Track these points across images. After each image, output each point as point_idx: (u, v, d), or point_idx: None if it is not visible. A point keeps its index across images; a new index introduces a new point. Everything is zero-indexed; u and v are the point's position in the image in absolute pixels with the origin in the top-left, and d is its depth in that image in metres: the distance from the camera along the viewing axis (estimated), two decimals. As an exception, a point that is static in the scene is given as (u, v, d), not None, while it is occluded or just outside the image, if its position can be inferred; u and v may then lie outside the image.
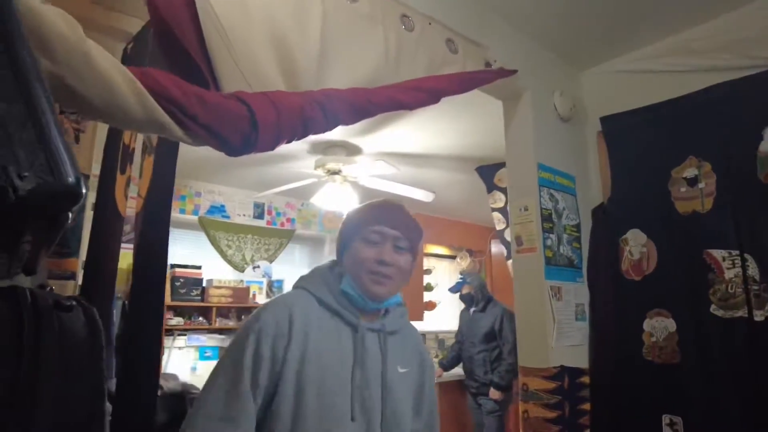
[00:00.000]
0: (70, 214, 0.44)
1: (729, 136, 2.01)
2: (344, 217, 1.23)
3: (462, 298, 4.28)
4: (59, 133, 0.42)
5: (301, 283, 1.16)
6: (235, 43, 1.18)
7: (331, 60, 1.38)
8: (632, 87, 2.39)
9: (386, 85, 1.45)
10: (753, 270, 1.87)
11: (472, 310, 4.18)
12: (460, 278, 4.33)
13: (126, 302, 2.12)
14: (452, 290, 4.42)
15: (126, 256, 2.02)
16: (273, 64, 1.25)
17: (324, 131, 1.25)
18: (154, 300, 1.30)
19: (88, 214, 1.98)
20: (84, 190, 0.44)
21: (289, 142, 1.19)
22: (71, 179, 0.42)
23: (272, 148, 1.14)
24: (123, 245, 1.92)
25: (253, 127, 1.06)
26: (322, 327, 1.06)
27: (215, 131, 1.01)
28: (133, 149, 1.77)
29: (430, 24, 1.77)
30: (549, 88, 2.36)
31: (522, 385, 2.06)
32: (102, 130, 1.98)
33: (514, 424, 4.17)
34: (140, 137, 1.75)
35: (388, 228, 1.12)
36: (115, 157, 1.88)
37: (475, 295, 4.15)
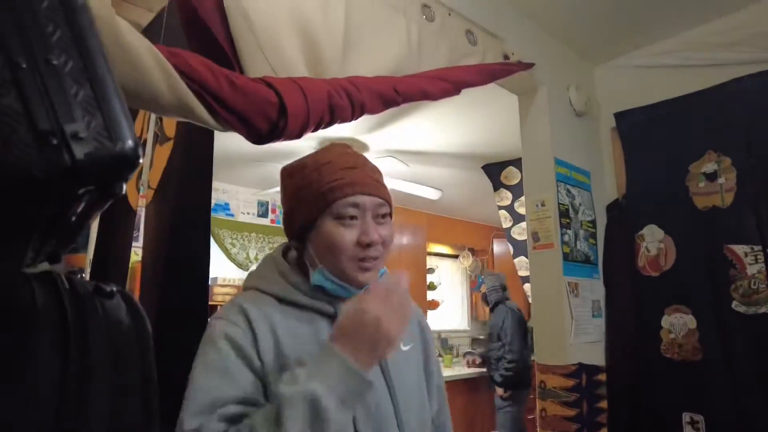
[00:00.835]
0: (125, 185, 0.40)
1: (749, 130, 1.98)
2: (287, 177, 0.89)
3: (482, 298, 4.45)
4: (118, 94, 0.38)
5: (250, 282, 0.89)
6: (259, 28, 1.14)
7: (355, 48, 1.34)
8: (646, 82, 2.36)
9: (411, 74, 1.42)
10: (776, 266, 1.84)
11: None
12: (480, 279, 4.50)
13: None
14: (473, 290, 4.70)
15: (132, 254, 1.97)
16: (297, 51, 1.21)
17: (350, 120, 1.21)
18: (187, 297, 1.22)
19: (95, 210, 1.93)
20: (141, 160, 0.40)
21: (315, 130, 1.15)
22: (130, 143, 0.37)
23: (299, 136, 1.10)
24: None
25: (281, 113, 1.02)
26: (292, 327, 0.81)
27: (244, 117, 0.97)
28: (145, 140, 1.72)
29: (449, 15, 1.74)
30: (564, 82, 2.33)
31: (539, 383, 2.03)
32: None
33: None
34: (152, 127, 1.71)
35: (365, 196, 0.83)
36: (126, 149, 1.83)
37: (488, 296, 4.27)
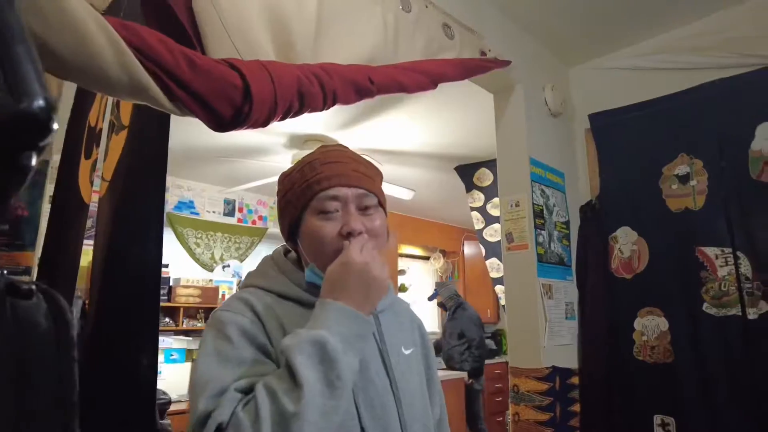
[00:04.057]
0: (34, 158, 0.32)
1: (721, 133, 1.99)
2: (279, 184, 0.90)
3: (438, 305, 5.14)
4: (25, 40, 0.30)
5: (250, 281, 0.87)
6: (226, 8, 1.05)
7: (328, 34, 1.27)
8: (621, 84, 2.36)
9: (387, 65, 1.35)
10: (746, 268, 1.85)
11: (447, 314, 4.95)
12: (434, 290, 5.15)
13: (86, 302, 1.95)
14: (429, 299, 5.25)
15: (86, 253, 1.85)
16: (266, 34, 1.13)
17: (321, 109, 1.13)
18: (137, 300, 1.13)
19: (46, 206, 1.80)
20: (55, 125, 0.31)
21: (283, 118, 1.07)
22: (41, 102, 0.29)
23: (265, 124, 1.02)
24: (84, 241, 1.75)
25: (246, 98, 0.94)
26: (296, 321, 0.77)
27: (205, 100, 0.88)
28: (100, 130, 1.60)
29: (427, 6, 1.68)
30: (539, 82, 2.31)
31: (512, 387, 1.99)
32: (64, 110, 1.80)
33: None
34: (108, 116, 1.59)
35: (344, 188, 0.82)
36: (80, 139, 1.70)
37: (446, 303, 4.88)
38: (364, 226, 0.81)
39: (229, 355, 0.71)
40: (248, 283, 0.87)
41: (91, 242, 1.60)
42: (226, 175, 4.19)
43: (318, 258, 0.81)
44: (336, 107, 1.18)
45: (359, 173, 0.84)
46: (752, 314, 1.80)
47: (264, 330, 0.75)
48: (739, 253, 1.87)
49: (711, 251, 1.93)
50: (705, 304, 1.91)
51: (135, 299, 1.17)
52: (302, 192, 0.83)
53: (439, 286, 5.14)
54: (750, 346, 1.79)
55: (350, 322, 0.71)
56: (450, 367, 4.71)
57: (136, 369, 1.17)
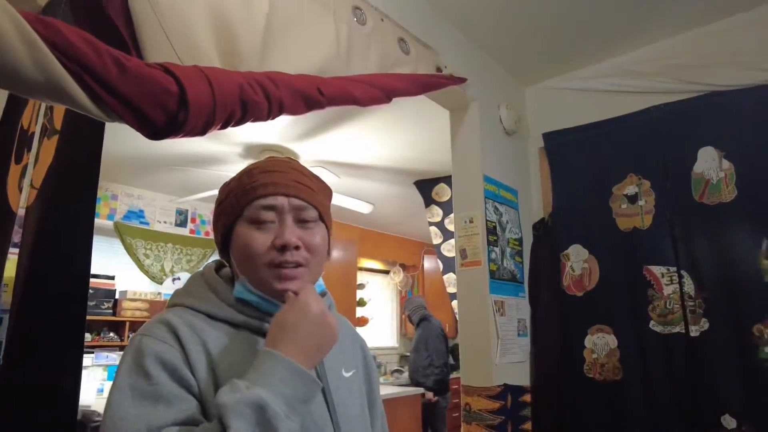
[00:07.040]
0: None
1: (666, 155, 2.06)
2: (218, 195, 0.84)
3: (407, 318, 5.17)
4: None
5: (177, 299, 0.79)
6: (166, 11, 1.00)
7: (277, 43, 1.23)
8: (574, 105, 2.42)
9: (339, 77, 1.32)
10: (689, 286, 1.91)
11: (415, 327, 5.03)
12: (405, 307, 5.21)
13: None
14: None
15: (14, 261, 1.73)
16: (210, 39, 1.08)
17: (266, 119, 1.09)
18: (61, 313, 1.05)
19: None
20: None
21: (224, 127, 1.02)
22: None
23: (203, 133, 0.97)
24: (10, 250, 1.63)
25: (181, 104, 0.89)
26: (226, 345, 0.73)
27: (135, 105, 0.83)
28: (33, 133, 1.50)
29: (382, 20, 1.67)
30: (495, 100, 2.33)
31: (464, 405, 1.96)
32: (-6, 111, 1.68)
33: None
34: (41, 119, 1.50)
35: (281, 197, 0.77)
36: (11, 142, 1.59)
37: (411, 316, 4.96)
38: (301, 240, 0.76)
39: (145, 391, 0.64)
40: (174, 302, 0.79)
41: (17, 251, 1.50)
42: (179, 185, 4.06)
43: (248, 271, 0.76)
44: (293, 117, 1.14)
45: (300, 184, 0.79)
46: (694, 331, 1.85)
47: (186, 358, 0.68)
48: (683, 272, 1.93)
49: (657, 270, 1.98)
50: (651, 322, 1.95)
51: (58, 316, 1.09)
52: (237, 200, 0.78)
53: (407, 302, 5.21)
54: (692, 362, 1.84)
55: (297, 382, 0.65)
56: (415, 382, 4.67)
57: (55, 393, 1.08)
